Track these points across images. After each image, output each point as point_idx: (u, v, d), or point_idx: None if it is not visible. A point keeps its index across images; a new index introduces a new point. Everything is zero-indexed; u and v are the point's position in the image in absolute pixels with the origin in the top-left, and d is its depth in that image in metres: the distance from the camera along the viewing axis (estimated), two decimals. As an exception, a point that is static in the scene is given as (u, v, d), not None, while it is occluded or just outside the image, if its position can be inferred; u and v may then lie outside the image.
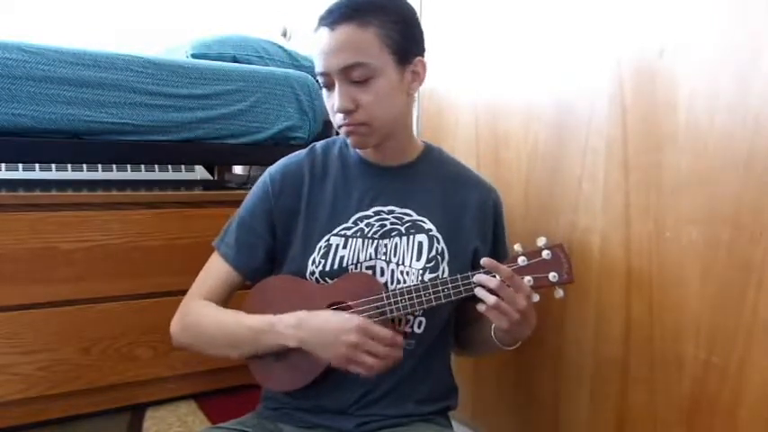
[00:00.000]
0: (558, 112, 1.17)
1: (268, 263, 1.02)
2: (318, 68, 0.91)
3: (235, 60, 1.90)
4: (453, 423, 1.08)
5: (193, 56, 1.86)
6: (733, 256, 0.88)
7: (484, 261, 0.86)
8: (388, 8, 0.89)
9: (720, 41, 0.89)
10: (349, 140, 0.95)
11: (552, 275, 0.89)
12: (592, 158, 1.10)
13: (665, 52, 0.96)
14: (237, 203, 1.05)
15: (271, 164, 1.05)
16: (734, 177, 0.87)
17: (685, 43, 0.93)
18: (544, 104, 1.19)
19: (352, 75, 0.88)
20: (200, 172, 2.02)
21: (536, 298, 0.90)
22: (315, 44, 0.90)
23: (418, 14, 1.49)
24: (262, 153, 1.76)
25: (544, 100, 1.19)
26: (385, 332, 0.86)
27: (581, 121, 1.11)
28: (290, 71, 1.85)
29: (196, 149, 1.68)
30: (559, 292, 0.91)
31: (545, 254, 0.90)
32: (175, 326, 1.00)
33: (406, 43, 0.91)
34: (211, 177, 2.11)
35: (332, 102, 0.91)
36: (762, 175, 0.84)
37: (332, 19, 0.88)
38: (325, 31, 0.88)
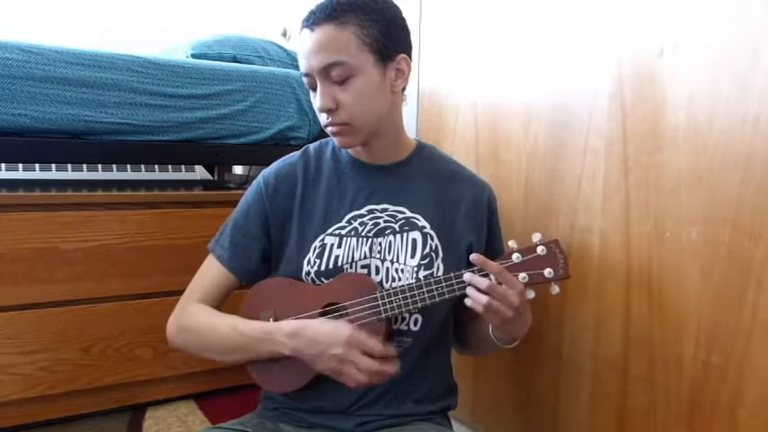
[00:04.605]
0: (557, 112, 1.17)
1: (263, 264, 1.02)
2: (301, 69, 0.93)
3: (235, 60, 1.90)
4: (453, 423, 1.09)
5: (193, 56, 1.86)
6: (733, 256, 0.88)
7: (473, 257, 0.86)
8: (368, 7, 0.89)
9: (720, 41, 0.89)
10: (335, 141, 0.97)
11: (548, 271, 0.89)
12: (591, 158, 1.10)
13: (664, 52, 0.96)
14: (237, 203, 1.05)
15: (270, 164, 1.05)
16: (734, 177, 0.87)
17: (685, 43, 0.93)
18: (544, 104, 1.19)
19: (332, 74, 0.89)
20: (200, 172, 2.02)
21: (531, 295, 0.89)
22: (299, 46, 0.92)
23: (418, 15, 1.51)
24: (262, 153, 1.76)
25: (544, 100, 1.19)
26: (376, 346, 0.86)
27: (581, 121, 1.11)
28: (290, 71, 1.85)
29: (196, 149, 1.69)
30: (555, 289, 0.90)
31: (540, 250, 0.90)
32: (171, 327, 1.00)
33: (387, 41, 0.91)
34: (211, 177, 2.12)
35: (316, 102, 0.92)
36: (761, 175, 0.84)
37: (312, 20, 0.89)
38: (306, 32, 0.90)
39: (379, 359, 0.86)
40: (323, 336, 0.87)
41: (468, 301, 0.86)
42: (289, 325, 0.91)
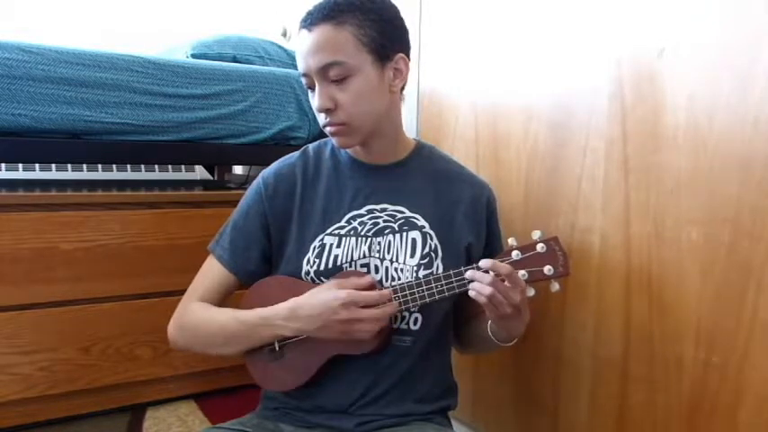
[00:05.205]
0: (558, 112, 1.17)
1: (263, 265, 1.02)
2: (300, 69, 0.93)
3: (235, 60, 1.90)
4: (453, 423, 1.08)
5: (193, 56, 1.86)
6: (733, 256, 0.88)
7: (483, 263, 0.86)
8: (366, 7, 0.89)
9: (720, 41, 0.89)
10: (333, 141, 0.97)
11: (547, 269, 0.89)
12: (592, 158, 1.10)
13: (664, 52, 0.96)
14: (237, 203, 1.05)
15: (270, 164, 1.05)
16: (734, 177, 0.87)
17: (685, 43, 0.93)
18: (544, 104, 1.19)
19: (330, 74, 0.89)
20: (200, 172, 2.02)
21: (531, 292, 0.89)
22: (297, 46, 0.92)
23: (418, 15, 1.51)
24: (262, 153, 1.76)
25: (544, 100, 1.19)
26: (371, 296, 0.88)
27: (581, 121, 1.11)
28: (290, 71, 1.85)
29: (196, 149, 1.69)
30: (555, 286, 0.90)
31: (539, 247, 0.90)
32: (172, 328, 1.01)
33: (385, 41, 0.91)
34: (211, 177, 2.12)
35: (314, 102, 0.92)
36: (761, 176, 0.84)
37: (310, 20, 0.89)
38: (304, 32, 0.90)
39: (379, 305, 0.88)
40: (319, 308, 0.88)
41: (471, 293, 0.86)
42: (284, 307, 0.91)
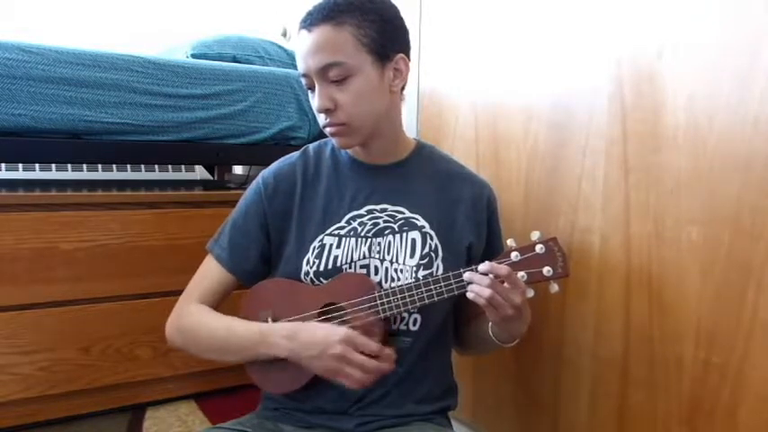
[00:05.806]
0: (557, 112, 1.17)
1: (262, 265, 1.02)
2: (299, 70, 0.93)
3: (235, 60, 1.91)
4: (453, 423, 1.08)
5: (193, 56, 1.87)
6: (733, 256, 0.88)
7: (482, 267, 0.86)
8: (365, 7, 0.89)
9: (720, 41, 0.89)
10: (333, 141, 0.97)
11: (546, 270, 0.89)
12: (592, 158, 1.10)
13: (664, 52, 0.96)
14: (237, 203, 1.05)
15: (270, 164, 1.05)
16: (734, 177, 0.87)
17: (685, 43, 0.93)
18: (544, 104, 1.19)
19: (330, 74, 0.89)
20: (200, 172, 2.02)
21: (531, 293, 0.89)
22: (297, 47, 0.92)
23: (418, 15, 1.51)
24: (262, 153, 1.76)
25: (544, 100, 1.19)
26: (372, 345, 0.86)
27: (581, 121, 1.11)
28: (290, 71, 1.85)
29: (196, 149, 1.69)
30: (554, 287, 0.90)
31: (538, 248, 0.90)
32: (170, 327, 1.00)
33: (385, 41, 0.91)
34: (211, 177, 2.12)
35: (314, 103, 0.92)
36: (761, 176, 0.84)
37: (310, 21, 0.89)
38: (304, 33, 0.90)
39: (376, 357, 0.86)
40: (319, 337, 0.87)
41: (470, 294, 0.86)
42: (284, 327, 0.91)
